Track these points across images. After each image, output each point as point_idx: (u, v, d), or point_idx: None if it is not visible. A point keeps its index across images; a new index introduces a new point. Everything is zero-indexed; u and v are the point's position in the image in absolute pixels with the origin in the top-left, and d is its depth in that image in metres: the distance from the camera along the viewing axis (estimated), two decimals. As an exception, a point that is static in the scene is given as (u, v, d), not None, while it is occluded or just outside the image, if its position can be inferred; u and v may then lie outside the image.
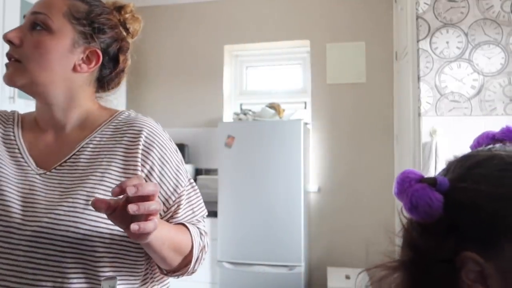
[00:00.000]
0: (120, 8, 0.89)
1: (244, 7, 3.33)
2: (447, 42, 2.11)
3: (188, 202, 0.87)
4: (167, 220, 0.84)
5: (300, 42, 3.26)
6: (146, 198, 0.61)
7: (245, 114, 2.99)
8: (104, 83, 0.90)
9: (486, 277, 0.47)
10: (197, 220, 0.89)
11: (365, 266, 0.55)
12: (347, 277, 2.68)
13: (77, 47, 0.81)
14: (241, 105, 3.50)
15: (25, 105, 2.14)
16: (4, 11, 1.97)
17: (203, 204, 0.91)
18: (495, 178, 0.48)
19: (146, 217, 0.62)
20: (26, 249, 0.71)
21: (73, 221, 0.72)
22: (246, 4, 3.33)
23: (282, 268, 2.64)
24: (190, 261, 0.83)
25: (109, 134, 0.83)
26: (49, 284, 0.71)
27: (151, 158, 0.81)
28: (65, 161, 0.79)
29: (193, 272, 0.87)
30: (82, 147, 0.81)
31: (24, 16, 0.82)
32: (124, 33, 0.89)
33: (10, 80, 0.79)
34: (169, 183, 0.83)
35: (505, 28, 2.06)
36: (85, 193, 0.74)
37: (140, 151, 0.80)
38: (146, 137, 0.81)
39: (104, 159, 0.79)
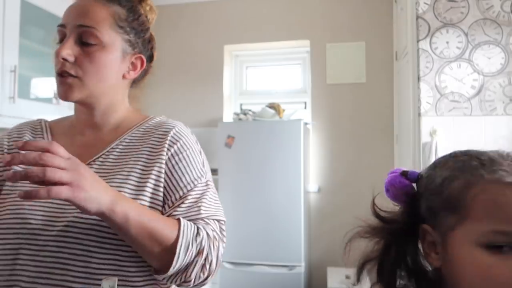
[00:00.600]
0: (141, 0, 0.89)
1: (244, 7, 3.33)
2: (447, 42, 2.11)
3: (196, 201, 0.80)
4: (169, 215, 0.77)
5: (300, 42, 3.25)
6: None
7: (245, 114, 2.99)
8: (135, 80, 0.92)
9: (436, 245, 0.59)
10: (204, 221, 0.78)
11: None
12: (347, 277, 2.68)
13: (125, 56, 0.83)
14: (241, 105, 3.50)
15: (25, 105, 2.14)
16: (4, 11, 1.97)
17: (218, 208, 0.83)
18: (443, 163, 0.61)
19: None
20: (53, 249, 0.71)
21: (98, 219, 0.71)
22: (246, 4, 3.33)
23: (282, 268, 2.64)
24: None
25: (139, 136, 0.84)
26: (77, 285, 0.70)
27: (172, 150, 0.81)
28: (93, 160, 0.80)
29: (190, 280, 0.74)
30: (111, 147, 0.82)
31: (62, 26, 0.80)
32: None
33: (67, 96, 0.79)
34: (179, 177, 0.80)
35: (505, 28, 2.06)
36: None
37: (166, 146, 0.81)
38: (172, 135, 0.83)
39: (131, 159, 0.80)
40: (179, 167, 0.81)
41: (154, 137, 0.83)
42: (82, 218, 0.71)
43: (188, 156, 0.83)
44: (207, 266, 0.75)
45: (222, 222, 0.83)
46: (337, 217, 3.04)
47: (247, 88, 3.54)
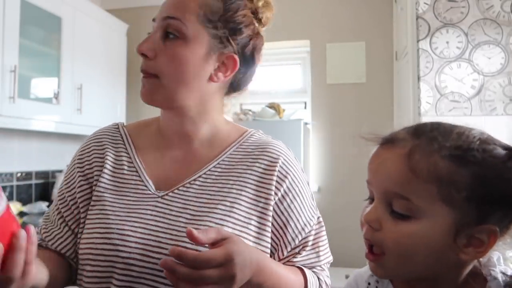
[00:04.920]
0: None
1: (244, 7, 3.33)
2: (447, 42, 2.11)
3: (314, 244, 0.77)
4: (287, 261, 0.75)
5: (300, 42, 3.25)
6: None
7: (245, 114, 2.99)
8: (235, 87, 0.81)
9: None
10: (320, 268, 0.78)
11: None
12: (347, 277, 2.67)
13: (212, 54, 0.72)
14: (241, 105, 3.50)
15: (25, 105, 2.14)
16: (4, 11, 1.97)
17: (327, 246, 0.80)
18: None
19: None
20: (148, 282, 0.65)
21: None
22: (246, 4, 3.33)
23: (282, 268, 2.64)
24: None
25: (239, 157, 0.75)
26: None
27: (282, 189, 0.73)
28: (189, 182, 0.72)
29: None
30: (209, 170, 0.73)
31: (153, 20, 0.72)
32: (257, 26, 0.79)
33: (148, 98, 0.72)
34: (297, 219, 0.74)
35: (505, 28, 2.06)
36: (213, 225, 0.67)
37: (274, 181, 0.73)
38: (281, 166, 0.74)
39: (234, 186, 0.72)
40: (293, 209, 0.74)
41: (258, 164, 0.74)
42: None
43: (299, 193, 0.75)
44: None
45: (329, 263, 0.81)
46: (337, 217, 3.04)
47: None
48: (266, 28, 0.83)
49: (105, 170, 0.75)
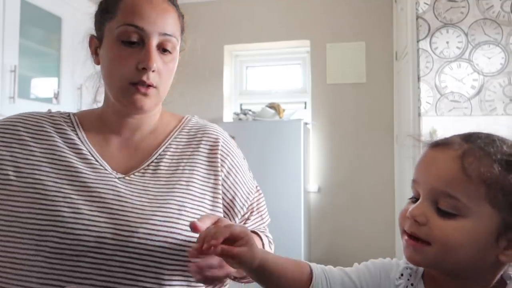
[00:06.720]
0: None
1: (244, 7, 3.33)
2: (447, 42, 2.11)
3: (258, 209, 0.89)
4: None
5: (300, 42, 3.25)
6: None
7: (245, 114, 2.99)
8: None
9: None
10: (264, 227, 0.91)
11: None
12: (347, 277, 2.68)
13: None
14: (241, 105, 3.50)
15: (25, 105, 2.14)
16: (4, 11, 1.97)
17: (267, 209, 0.93)
18: None
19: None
20: (122, 259, 0.68)
21: (170, 232, 0.71)
22: (246, 4, 3.33)
23: (282, 268, 2.64)
24: None
25: (184, 141, 0.84)
26: None
27: (226, 166, 0.83)
28: (144, 168, 0.78)
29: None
30: (159, 154, 0.80)
31: (136, 27, 0.73)
32: None
33: (147, 107, 0.76)
34: (242, 190, 0.85)
35: (505, 28, 2.06)
36: (175, 202, 0.74)
37: (219, 159, 0.82)
38: (222, 145, 0.84)
39: (186, 167, 0.79)
40: (238, 182, 0.84)
41: (203, 145, 0.83)
42: (153, 229, 0.69)
43: (240, 168, 0.86)
44: None
45: (268, 223, 0.94)
46: (337, 217, 3.05)
47: (247, 88, 3.54)
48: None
49: (49, 151, 0.76)
